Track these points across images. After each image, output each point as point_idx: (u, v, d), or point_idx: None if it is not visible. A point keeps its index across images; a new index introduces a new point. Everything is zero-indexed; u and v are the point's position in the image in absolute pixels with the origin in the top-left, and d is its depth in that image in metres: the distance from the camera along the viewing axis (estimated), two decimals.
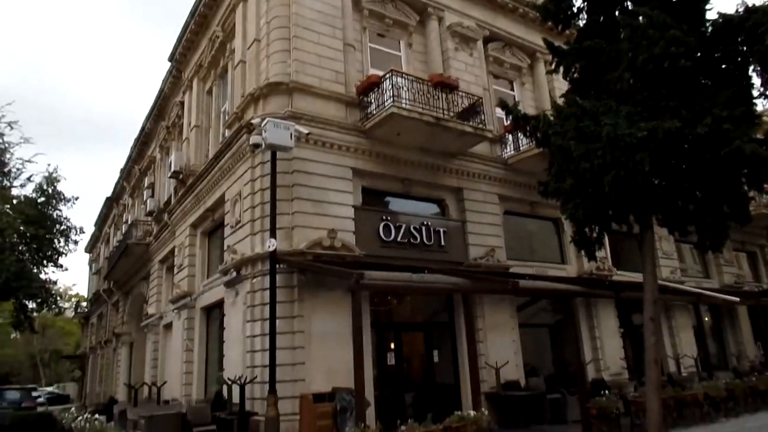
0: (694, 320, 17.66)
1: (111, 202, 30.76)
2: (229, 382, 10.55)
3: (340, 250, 11.05)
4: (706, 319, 19.61)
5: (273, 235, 10.09)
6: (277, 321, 9.90)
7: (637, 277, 13.28)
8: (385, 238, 12.12)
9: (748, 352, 19.99)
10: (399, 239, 12.29)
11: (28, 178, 22.04)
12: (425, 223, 12.88)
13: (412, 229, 12.57)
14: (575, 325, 12.52)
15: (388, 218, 12.39)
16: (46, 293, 22.48)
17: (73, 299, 48.30)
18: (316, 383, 10.21)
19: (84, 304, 42.48)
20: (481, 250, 13.60)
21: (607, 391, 11.12)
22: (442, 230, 13.12)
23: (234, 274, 11.58)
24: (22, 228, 20.49)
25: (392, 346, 12.71)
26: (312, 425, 9.10)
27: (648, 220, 10.25)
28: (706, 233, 10.20)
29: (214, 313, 14.16)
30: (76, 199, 23.58)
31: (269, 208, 10.41)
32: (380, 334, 12.71)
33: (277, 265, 10.15)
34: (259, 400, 10.21)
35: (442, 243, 13.03)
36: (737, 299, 16.63)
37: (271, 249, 9.95)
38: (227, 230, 12.64)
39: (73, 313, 46.84)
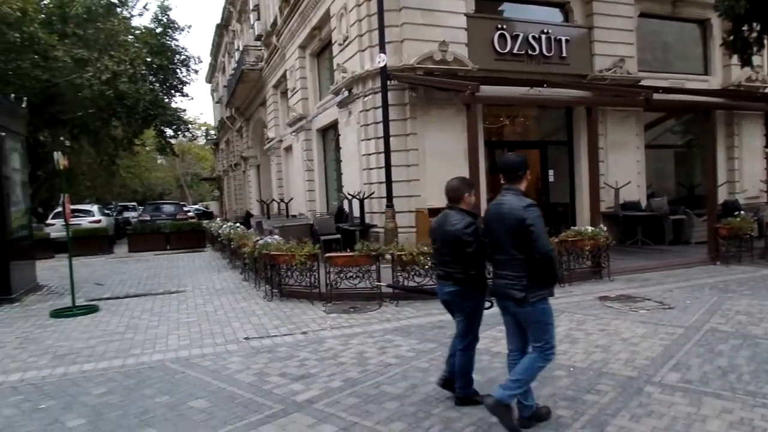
0: None
1: (221, 29, 31.15)
2: (349, 197, 11.22)
3: (451, 64, 10.45)
4: None
5: (382, 49, 9.67)
6: (391, 139, 9.97)
7: None
8: (499, 50, 11.18)
9: None
10: (515, 51, 11.29)
11: (144, 7, 22.63)
12: (545, 31, 11.60)
13: (530, 38, 11.42)
14: (712, 144, 11.28)
15: (504, 27, 11.27)
16: (178, 120, 24.48)
17: (202, 127, 52.60)
18: (431, 199, 10.50)
19: (212, 131, 46.19)
20: (608, 60, 12.22)
21: (741, 213, 10.33)
22: (564, 39, 11.80)
23: (345, 93, 11.57)
24: (148, 59, 21.69)
25: None
26: (428, 236, 9.57)
27: None
28: None
29: (330, 133, 14.64)
30: (189, 27, 24.10)
31: (377, 20, 9.84)
32: (493, 152, 12.50)
33: (388, 82, 9.90)
34: (377, 214, 10.85)
35: (564, 54, 11.81)
36: None
37: (381, 64, 9.63)
38: (335, 48, 12.36)
39: (204, 140, 51.44)
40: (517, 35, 11.32)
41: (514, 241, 3.27)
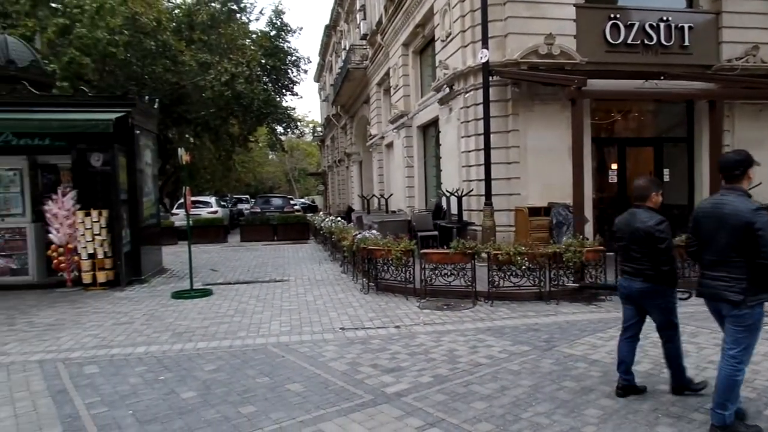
0: None
1: (329, 30, 32.35)
2: (448, 194, 11.20)
3: (558, 58, 10.04)
4: None
5: (485, 44, 9.53)
6: (491, 136, 9.81)
7: None
8: (612, 41, 10.55)
9: None
10: (629, 41, 10.58)
11: (260, 12, 24.09)
12: (665, 18, 10.75)
13: (646, 27, 10.65)
14: None
15: (617, 16, 10.60)
16: (288, 118, 25.84)
17: (310, 125, 55.06)
18: (532, 198, 10.23)
19: (319, 129, 48.17)
20: (739, 48, 11.06)
21: None
22: (686, 26, 10.85)
23: (447, 90, 11.54)
24: (262, 60, 23.12)
25: (614, 166, 11.80)
26: (527, 236, 9.31)
27: None
28: None
29: (430, 130, 14.69)
30: (301, 29, 25.30)
31: (480, 15, 9.71)
32: (601, 150, 11.85)
33: (490, 78, 9.73)
34: (475, 212, 10.74)
35: (686, 42, 10.87)
36: None
37: (483, 60, 9.49)
38: (438, 45, 12.37)
39: (312, 137, 53.81)
40: (632, 24, 10.61)
41: (735, 244, 3.14)
